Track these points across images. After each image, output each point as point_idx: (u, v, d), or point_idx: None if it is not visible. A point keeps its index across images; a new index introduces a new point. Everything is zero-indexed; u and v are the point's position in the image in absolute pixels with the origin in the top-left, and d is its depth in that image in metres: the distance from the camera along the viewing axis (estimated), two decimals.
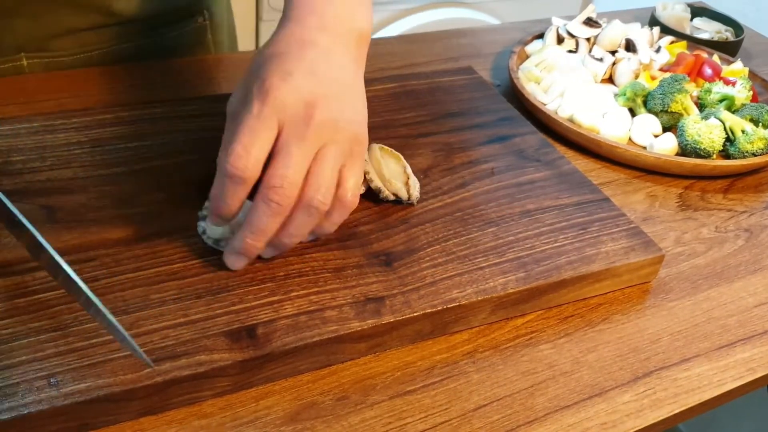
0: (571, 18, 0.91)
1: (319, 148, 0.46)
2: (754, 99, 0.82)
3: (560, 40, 0.88)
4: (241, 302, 0.47)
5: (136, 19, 0.76)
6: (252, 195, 0.46)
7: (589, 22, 0.89)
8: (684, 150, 0.73)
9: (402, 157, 0.60)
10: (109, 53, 0.76)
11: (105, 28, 0.74)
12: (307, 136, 0.46)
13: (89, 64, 0.75)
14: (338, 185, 0.48)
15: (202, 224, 0.51)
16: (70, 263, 0.47)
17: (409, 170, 0.59)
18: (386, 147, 0.60)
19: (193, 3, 0.81)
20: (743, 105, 0.79)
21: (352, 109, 0.48)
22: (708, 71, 0.85)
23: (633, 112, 0.79)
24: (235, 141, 0.45)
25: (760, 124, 0.75)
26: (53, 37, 0.72)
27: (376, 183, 0.56)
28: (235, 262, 0.48)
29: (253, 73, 0.48)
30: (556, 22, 0.90)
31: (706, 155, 0.72)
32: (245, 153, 0.44)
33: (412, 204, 0.58)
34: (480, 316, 0.51)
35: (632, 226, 0.59)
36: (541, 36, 0.91)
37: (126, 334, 0.41)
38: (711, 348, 0.53)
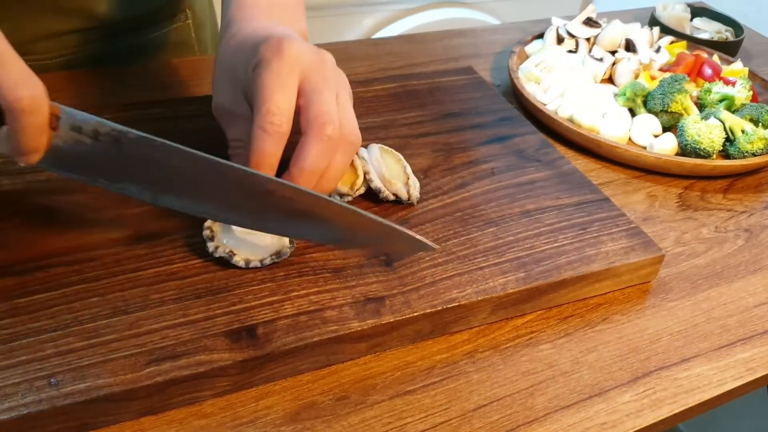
0: (571, 18, 0.92)
1: (336, 90, 0.49)
2: (753, 99, 0.82)
3: (560, 40, 0.88)
4: (241, 302, 0.47)
5: (117, 21, 0.75)
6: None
7: (589, 22, 0.89)
8: (684, 150, 0.73)
9: (402, 157, 0.60)
10: (90, 55, 0.76)
11: (86, 30, 0.74)
12: (329, 77, 0.49)
13: (71, 65, 0.75)
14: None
15: (211, 244, 0.49)
16: (70, 263, 0.48)
17: (409, 170, 0.59)
18: (386, 147, 0.60)
19: (175, 3, 0.81)
20: (743, 105, 0.79)
21: None
22: (708, 71, 0.85)
23: (633, 112, 0.79)
24: (267, 100, 0.46)
25: (760, 124, 0.75)
26: (34, 40, 0.72)
27: (376, 183, 0.56)
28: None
29: (236, 57, 0.50)
30: (556, 22, 0.90)
31: (706, 155, 0.72)
32: (279, 109, 0.46)
33: (412, 204, 0.58)
34: (480, 316, 0.51)
35: (632, 226, 0.59)
36: (541, 36, 0.91)
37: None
38: (711, 348, 0.53)
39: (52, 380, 0.41)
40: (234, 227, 0.50)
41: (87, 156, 0.45)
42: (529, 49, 0.88)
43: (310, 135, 0.47)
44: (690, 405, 0.49)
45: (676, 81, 0.77)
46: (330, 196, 0.52)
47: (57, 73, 0.73)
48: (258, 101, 0.47)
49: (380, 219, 0.47)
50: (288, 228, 0.48)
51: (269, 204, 0.46)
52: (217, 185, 0.46)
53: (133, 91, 0.72)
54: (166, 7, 0.80)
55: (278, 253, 0.50)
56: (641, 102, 0.79)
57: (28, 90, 0.40)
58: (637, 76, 0.84)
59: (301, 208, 0.46)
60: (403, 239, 0.47)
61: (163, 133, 0.62)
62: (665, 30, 0.97)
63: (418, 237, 0.47)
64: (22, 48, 0.71)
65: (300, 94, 0.48)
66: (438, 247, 0.48)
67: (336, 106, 0.48)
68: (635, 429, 0.47)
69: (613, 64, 0.86)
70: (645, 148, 0.75)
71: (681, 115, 0.76)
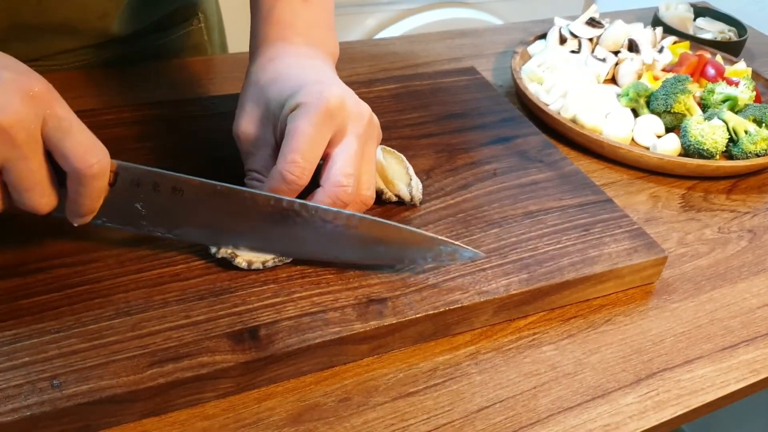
0: (573, 18, 0.91)
1: (366, 144, 0.50)
2: (757, 99, 0.82)
3: (563, 41, 0.88)
4: (244, 304, 0.47)
5: (133, 33, 0.76)
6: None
7: (592, 23, 0.89)
8: (687, 151, 0.73)
9: (404, 158, 0.60)
10: (104, 62, 0.76)
11: (101, 44, 0.74)
12: (361, 134, 0.49)
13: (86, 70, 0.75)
14: None
15: (213, 247, 0.49)
16: (73, 264, 0.48)
17: (411, 171, 0.59)
18: (388, 148, 0.60)
19: (187, 8, 0.81)
20: (746, 105, 0.79)
21: None
22: (711, 71, 0.85)
23: (636, 113, 0.79)
24: (294, 149, 0.46)
25: (764, 124, 0.75)
26: (49, 56, 0.72)
27: (379, 184, 0.56)
28: None
29: (272, 88, 0.50)
30: (559, 22, 0.90)
31: (709, 156, 0.72)
32: (304, 161, 0.47)
33: (414, 205, 0.58)
34: (482, 317, 0.51)
35: (635, 227, 0.59)
36: (543, 36, 0.90)
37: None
38: (714, 349, 0.53)
39: (54, 382, 0.41)
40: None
41: (145, 207, 0.47)
42: (531, 49, 0.88)
43: (324, 193, 0.48)
44: (693, 407, 0.49)
45: (679, 81, 0.77)
46: None
47: (70, 73, 0.73)
48: (287, 146, 0.47)
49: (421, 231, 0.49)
50: (355, 253, 0.50)
51: (340, 239, 0.49)
52: (283, 232, 0.48)
53: (144, 91, 0.72)
54: (178, 12, 0.80)
55: (282, 257, 0.50)
56: (644, 102, 0.78)
57: (96, 156, 0.41)
58: (640, 77, 0.84)
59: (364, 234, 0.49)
60: (448, 247, 0.49)
61: (164, 134, 0.62)
62: (668, 30, 0.96)
63: (464, 246, 0.49)
64: (36, 60, 0.72)
65: (331, 142, 0.48)
66: (484, 255, 0.50)
67: (360, 164, 0.49)
68: (638, 431, 0.47)
69: (616, 64, 0.86)
70: (648, 148, 0.75)
71: (684, 115, 0.76)
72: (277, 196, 0.48)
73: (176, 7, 0.80)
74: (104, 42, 0.74)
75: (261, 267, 0.49)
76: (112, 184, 0.45)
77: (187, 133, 0.62)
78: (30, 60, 0.70)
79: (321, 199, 0.48)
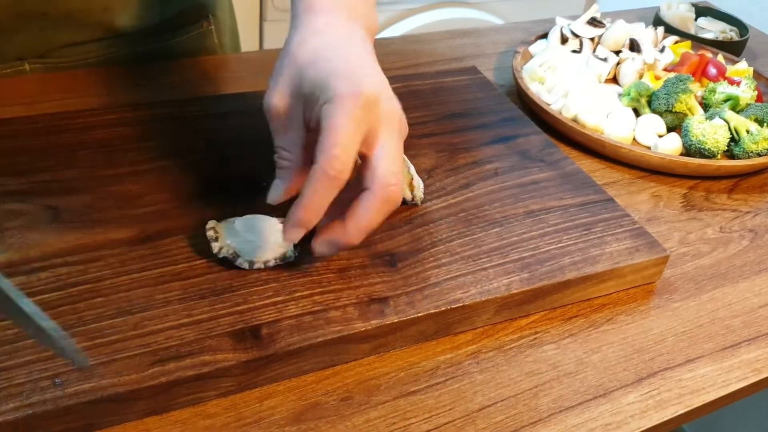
0: (574, 18, 0.91)
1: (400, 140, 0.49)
2: (758, 99, 0.82)
3: (564, 40, 0.88)
4: (245, 302, 0.47)
5: (138, 30, 0.76)
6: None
7: (593, 22, 0.89)
8: (688, 150, 0.73)
9: (406, 158, 0.60)
10: (112, 59, 0.76)
11: (108, 39, 0.75)
12: (396, 130, 0.48)
13: (91, 68, 0.75)
14: None
15: (215, 245, 0.49)
16: (74, 263, 0.48)
17: (413, 171, 0.59)
18: None
19: (198, 8, 0.81)
20: (748, 105, 0.78)
21: None
22: (712, 71, 0.85)
23: (637, 112, 0.79)
24: (336, 145, 0.45)
25: (765, 124, 0.75)
26: (55, 48, 0.72)
27: None
28: (327, 252, 0.49)
29: (311, 67, 0.48)
30: (560, 22, 0.90)
31: (711, 155, 0.72)
32: (346, 157, 0.45)
33: (416, 204, 0.58)
34: (484, 316, 0.51)
35: (636, 226, 0.59)
36: (544, 36, 0.90)
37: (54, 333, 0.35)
38: (716, 349, 0.53)
39: (56, 380, 0.41)
40: (237, 228, 0.50)
41: None
42: (533, 49, 0.88)
43: (374, 195, 0.46)
44: (695, 406, 0.49)
45: (680, 81, 0.77)
46: None
47: (75, 72, 0.73)
48: (326, 140, 0.45)
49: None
50: None
51: None
52: None
53: (146, 91, 0.72)
54: (187, 14, 0.80)
55: (283, 257, 0.50)
56: (645, 102, 0.78)
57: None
58: (641, 76, 0.84)
59: None
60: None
61: (167, 134, 0.62)
62: (669, 30, 0.96)
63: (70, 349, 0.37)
64: (42, 54, 0.72)
65: (365, 141, 0.47)
66: (89, 364, 0.42)
67: (401, 162, 0.48)
68: (640, 430, 0.47)
69: (618, 64, 0.85)
70: (649, 148, 0.74)
71: (685, 115, 0.76)
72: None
73: (184, 8, 0.79)
74: (109, 38, 0.74)
75: (263, 267, 0.49)
76: None
77: (191, 133, 0.62)
78: (36, 56, 0.71)
79: (370, 203, 0.47)
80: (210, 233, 0.49)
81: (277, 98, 0.49)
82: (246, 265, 0.49)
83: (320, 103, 0.46)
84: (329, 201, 0.46)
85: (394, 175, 0.47)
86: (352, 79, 0.46)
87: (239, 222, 0.51)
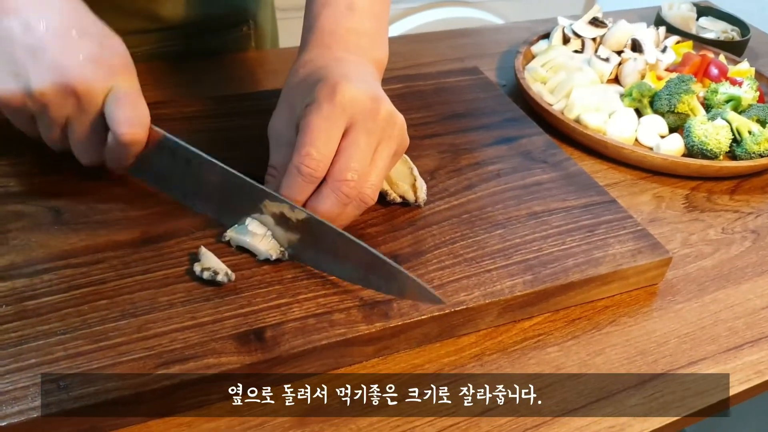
0: (576, 18, 0.91)
1: (378, 142, 0.50)
2: (760, 99, 0.82)
3: (566, 40, 0.88)
4: (250, 305, 0.47)
5: (181, 24, 0.76)
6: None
7: (595, 22, 0.89)
8: (690, 151, 0.73)
9: (408, 159, 0.60)
10: (151, 55, 0.77)
11: (148, 32, 0.75)
12: (374, 130, 0.50)
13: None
14: None
15: (197, 266, 0.48)
16: (77, 265, 0.48)
17: (415, 172, 0.58)
18: None
19: (240, 12, 0.82)
20: (750, 105, 0.78)
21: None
22: (714, 71, 0.84)
23: (639, 113, 0.79)
24: (308, 143, 0.48)
25: (767, 124, 0.75)
26: None
27: (383, 185, 0.56)
28: None
29: (299, 88, 0.51)
30: (562, 22, 0.90)
31: (713, 156, 0.72)
32: (318, 154, 0.48)
33: (419, 206, 0.58)
34: (487, 318, 0.51)
35: (639, 228, 0.59)
36: (546, 36, 0.90)
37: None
38: (718, 350, 0.53)
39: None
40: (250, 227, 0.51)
41: (174, 175, 0.53)
42: (535, 49, 0.88)
43: (327, 187, 0.49)
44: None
45: (682, 81, 0.77)
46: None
47: None
48: (300, 141, 0.48)
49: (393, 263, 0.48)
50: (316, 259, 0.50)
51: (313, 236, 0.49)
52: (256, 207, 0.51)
53: (148, 91, 0.72)
54: (229, 15, 0.81)
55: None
56: (648, 102, 0.78)
57: (133, 129, 0.49)
58: (643, 77, 0.84)
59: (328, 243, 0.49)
60: (414, 286, 0.48)
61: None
62: (671, 30, 0.96)
63: (429, 288, 0.48)
64: None
65: (342, 138, 0.49)
66: (446, 302, 0.48)
67: (367, 160, 0.49)
68: None
69: (619, 64, 0.85)
70: (651, 149, 0.74)
71: (687, 115, 0.76)
72: (271, 191, 0.50)
73: (227, 10, 0.80)
74: (150, 31, 0.75)
75: (226, 280, 0.48)
76: (146, 147, 0.50)
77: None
78: None
79: (324, 193, 0.49)
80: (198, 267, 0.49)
81: (275, 119, 0.53)
82: (225, 280, 0.48)
83: (301, 109, 0.49)
84: (304, 196, 0.49)
85: (350, 170, 0.48)
86: (331, 83, 0.49)
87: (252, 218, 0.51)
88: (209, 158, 0.51)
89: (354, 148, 0.49)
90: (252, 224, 0.50)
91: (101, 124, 0.49)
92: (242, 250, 0.51)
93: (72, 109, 0.48)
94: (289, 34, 0.87)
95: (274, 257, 0.50)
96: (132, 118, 0.48)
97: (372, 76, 0.54)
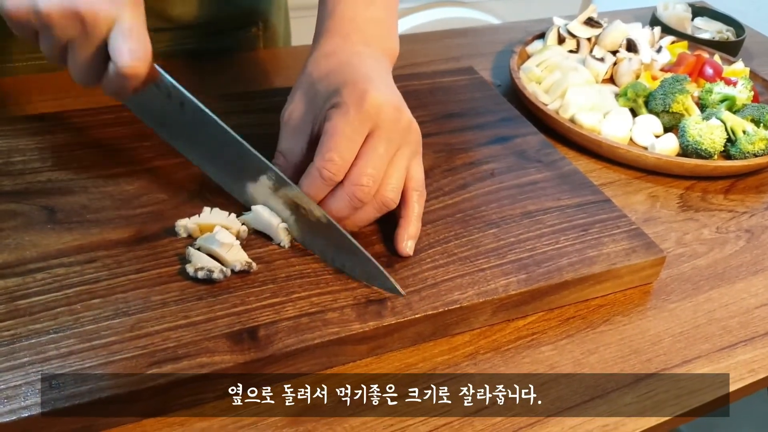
0: (571, 18, 0.91)
1: (398, 148, 0.51)
2: (755, 99, 0.82)
3: (561, 40, 0.88)
4: (243, 304, 0.47)
5: (192, 24, 0.77)
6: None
7: (590, 22, 0.89)
8: (685, 150, 0.73)
9: None
10: (163, 54, 0.77)
11: (158, 30, 0.74)
12: (394, 138, 0.51)
13: None
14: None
15: (189, 267, 0.48)
16: (70, 264, 0.48)
17: None
18: None
19: (250, 13, 0.82)
20: (744, 105, 0.79)
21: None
22: (709, 71, 0.85)
23: (634, 113, 0.79)
24: (332, 148, 0.49)
25: (761, 124, 0.75)
26: None
27: None
28: None
29: (322, 83, 0.52)
30: (557, 21, 0.90)
31: (707, 156, 0.72)
32: (341, 160, 0.49)
33: None
34: (481, 317, 0.51)
35: (633, 227, 0.59)
36: (541, 36, 0.90)
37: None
38: (712, 349, 0.53)
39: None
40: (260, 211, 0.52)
41: (166, 115, 0.53)
42: (530, 49, 0.88)
43: (342, 189, 0.50)
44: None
45: (677, 81, 0.77)
46: None
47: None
48: (325, 145, 0.49)
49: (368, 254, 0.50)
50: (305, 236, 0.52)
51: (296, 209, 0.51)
52: (245, 168, 0.52)
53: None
54: (239, 16, 0.81)
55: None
56: (642, 102, 0.79)
57: (135, 62, 0.48)
58: (638, 77, 0.84)
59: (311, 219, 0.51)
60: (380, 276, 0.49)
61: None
62: (666, 30, 0.97)
63: (391, 279, 0.49)
64: None
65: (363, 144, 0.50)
66: (404, 293, 0.49)
67: (383, 167, 0.50)
68: (637, 430, 0.47)
69: (615, 64, 0.86)
70: (646, 148, 0.75)
71: (682, 115, 0.76)
72: (271, 166, 0.51)
73: (237, 11, 0.80)
74: (162, 29, 0.75)
75: (222, 277, 0.48)
76: (147, 85, 0.51)
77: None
78: None
79: (338, 194, 0.50)
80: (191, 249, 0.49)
81: (291, 107, 0.54)
82: (221, 276, 0.48)
83: (326, 108, 0.50)
84: (321, 197, 0.51)
85: (366, 176, 0.49)
86: (358, 86, 0.50)
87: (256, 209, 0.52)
88: (202, 106, 0.51)
89: (373, 153, 0.50)
90: (220, 233, 0.49)
91: (103, 53, 0.49)
92: None
93: (75, 34, 0.47)
94: (301, 34, 0.87)
95: (238, 269, 0.49)
96: (135, 51, 0.48)
97: (389, 74, 0.55)
